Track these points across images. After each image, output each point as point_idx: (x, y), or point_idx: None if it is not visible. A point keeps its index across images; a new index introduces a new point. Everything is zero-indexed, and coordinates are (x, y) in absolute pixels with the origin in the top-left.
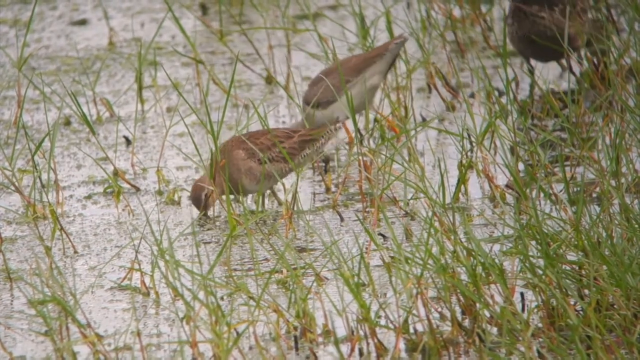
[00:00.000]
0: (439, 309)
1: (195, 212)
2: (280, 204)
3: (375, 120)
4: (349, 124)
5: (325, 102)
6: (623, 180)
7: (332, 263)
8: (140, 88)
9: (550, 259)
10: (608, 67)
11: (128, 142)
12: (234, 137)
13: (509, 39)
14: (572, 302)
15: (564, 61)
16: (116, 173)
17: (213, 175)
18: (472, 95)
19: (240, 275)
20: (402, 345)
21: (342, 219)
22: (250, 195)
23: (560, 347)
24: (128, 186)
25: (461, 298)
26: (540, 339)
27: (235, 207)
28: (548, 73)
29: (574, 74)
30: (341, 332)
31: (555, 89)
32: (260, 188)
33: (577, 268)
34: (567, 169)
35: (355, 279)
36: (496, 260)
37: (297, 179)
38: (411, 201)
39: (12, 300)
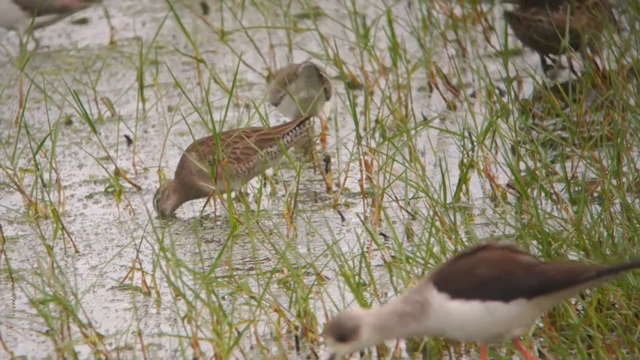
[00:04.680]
0: None
1: (198, 210)
2: (247, 207)
3: (377, 120)
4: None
5: (274, 102)
6: (624, 179)
7: (334, 262)
8: (141, 87)
9: (551, 258)
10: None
11: (129, 141)
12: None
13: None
14: (573, 302)
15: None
16: (117, 172)
17: (214, 175)
18: (473, 95)
19: (241, 274)
20: (403, 345)
21: (343, 219)
22: (251, 195)
23: (561, 346)
24: (129, 185)
25: None
26: (541, 339)
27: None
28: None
29: (574, 72)
30: None
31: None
32: (217, 189)
33: None
34: (568, 168)
35: (357, 278)
36: None
37: (298, 178)
38: (412, 200)
39: (13, 300)
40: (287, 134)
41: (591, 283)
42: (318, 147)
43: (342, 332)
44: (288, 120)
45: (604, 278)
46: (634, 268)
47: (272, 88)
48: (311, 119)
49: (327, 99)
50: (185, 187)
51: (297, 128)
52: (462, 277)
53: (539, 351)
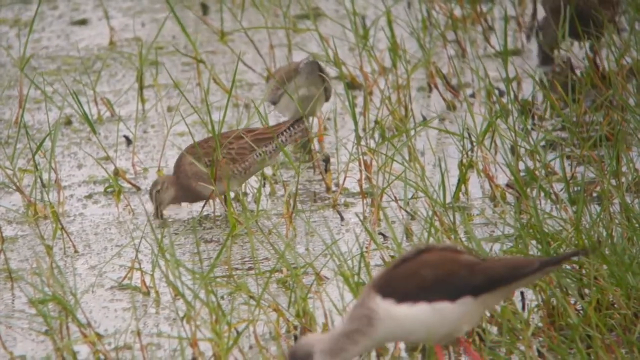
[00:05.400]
0: None
1: (198, 210)
2: (245, 207)
3: (376, 121)
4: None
5: (272, 101)
6: (623, 179)
7: (333, 262)
8: (141, 87)
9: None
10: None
11: (129, 141)
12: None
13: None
14: (572, 302)
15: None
16: (117, 172)
17: (214, 175)
18: (473, 95)
19: (240, 274)
20: (402, 344)
21: (342, 218)
22: (250, 195)
23: (560, 346)
24: (129, 185)
25: None
26: (541, 338)
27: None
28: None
29: (574, 72)
30: None
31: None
32: (216, 190)
33: (577, 267)
34: (568, 168)
35: (356, 278)
36: None
37: (297, 178)
38: (411, 200)
39: (13, 300)
40: (282, 133)
41: (535, 275)
42: (316, 147)
43: (297, 359)
44: (286, 119)
45: (546, 269)
46: (574, 257)
47: (271, 86)
48: (305, 118)
49: (327, 99)
50: (182, 187)
51: (291, 128)
52: (407, 281)
53: (538, 351)
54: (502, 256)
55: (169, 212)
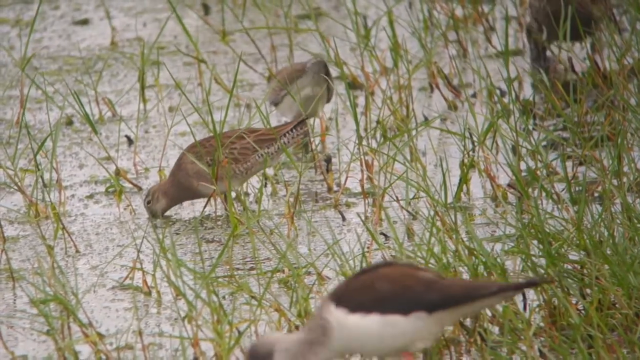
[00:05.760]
0: None
1: (199, 210)
2: (245, 207)
3: (377, 121)
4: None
5: (274, 101)
6: (625, 179)
7: (334, 262)
8: (142, 87)
9: (552, 258)
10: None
11: (130, 141)
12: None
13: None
14: (573, 301)
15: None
16: (118, 172)
17: (215, 175)
18: (474, 95)
19: (242, 274)
20: None
21: (344, 218)
22: (252, 195)
23: (562, 346)
24: (130, 186)
25: None
26: (542, 338)
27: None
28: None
29: (575, 72)
30: None
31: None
32: (217, 189)
33: (579, 267)
34: (569, 168)
35: None
36: (498, 260)
37: (299, 178)
38: (413, 200)
39: (14, 300)
40: (285, 134)
41: (492, 299)
42: (318, 147)
43: (256, 357)
44: (288, 120)
45: (504, 294)
46: (534, 286)
47: (273, 87)
48: (308, 120)
49: (329, 100)
50: (179, 188)
51: (294, 129)
52: (362, 292)
53: (540, 351)
54: (463, 278)
55: (170, 212)
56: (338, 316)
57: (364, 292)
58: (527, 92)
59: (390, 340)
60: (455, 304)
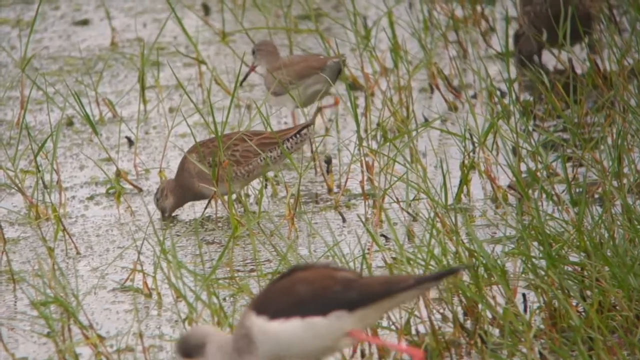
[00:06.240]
0: (441, 310)
1: (199, 212)
2: (246, 209)
3: (378, 124)
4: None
5: (277, 92)
6: (625, 181)
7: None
8: (142, 88)
9: (552, 260)
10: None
11: (130, 142)
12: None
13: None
14: (574, 303)
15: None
16: (119, 174)
17: (216, 176)
18: (474, 96)
19: (242, 276)
20: (404, 345)
21: (344, 220)
22: (252, 196)
23: (562, 348)
24: (130, 187)
25: (463, 299)
26: (542, 340)
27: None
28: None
29: (575, 73)
30: None
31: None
32: (218, 191)
33: (579, 269)
34: (569, 169)
35: None
36: (498, 261)
37: (299, 179)
38: (413, 202)
39: (15, 302)
40: (288, 139)
41: (411, 292)
42: (318, 148)
43: (188, 348)
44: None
45: (423, 286)
46: (450, 275)
47: (284, 75)
48: (312, 125)
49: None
50: (183, 188)
51: (297, 135)
52: (280, 297)
53: (540, 353)
54: (380, 275)
55: (174, 214)
56: (259, 324)
57: (283, 297)
58: (528, 93)
59: (313, 341)
60: (375, 300)
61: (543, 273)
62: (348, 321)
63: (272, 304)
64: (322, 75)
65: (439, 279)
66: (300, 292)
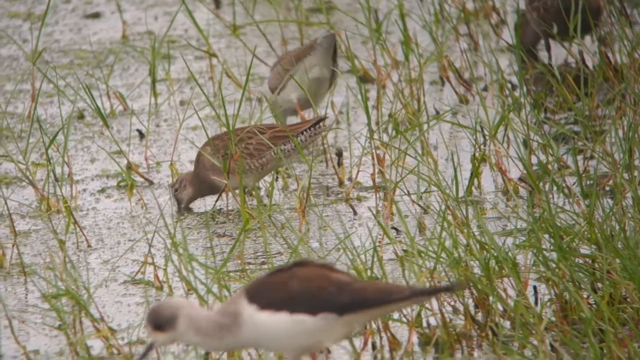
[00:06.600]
0: (452, 303)
1: (211, 204)
2: (259, 201)
3: (390, 115)
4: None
5: (275, 87)
6: (636, 173)
7: (346, 256)
8: (153, 81)
9: (563, 252)
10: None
11: (141, 135)
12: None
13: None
14: (585, 296)
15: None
16: (130, 167)
17: (227, 169)
18: (485, 88)
19: (253, 268)
20: (415, 339)
21: (355, 213)
22: (263, 189)
23: (573, 340)
24: (142, 180)
25: (474, 292)
26: (553, 333)
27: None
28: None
29: (586, 66)
30: None
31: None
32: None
33: (590, 261)
34: (580, 162)
35: (369, 272)
36: (509, 254)
37: (310, 172)
38: (424, 194)
39: (26, 294)
40: (302, 133)
41: (404, 303)
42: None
43: (159, 320)
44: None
45: (416, 299)
46: (445, 292)
47: (278, 70)
48: (325, 119)
49: (331, 84)
50: (198, 181)
51: (311, 128)
52: (274, 290)
53: (551, 345)
54: (376, 281)
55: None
56: (249, 312)
57: (276, 290)
58: (539, 85)
59: (296, 339)
60: (367, 307)
61: (554, 265)
62: (335, 324)
63: (265, 294)
64: (317, 54)
65: (433, 294)
66: (294, 288)
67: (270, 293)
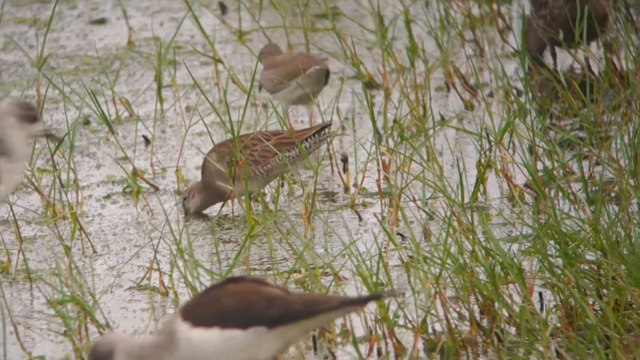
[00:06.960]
0: (458, 309)
1: (216, 211)
2: (264, 207)
3: (395, 120)
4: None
5: (272, 91)
6: None
7: (351, 263)
8: (159, 87)
9: (568, 258)
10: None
11: (147, 141)
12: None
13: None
14: (590, 302)
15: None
16: (135, 173)
17: (232, 175)
18: (491, 94)
19: (259, 274)
20: (420, 345)
21: (360, 219)
22: (269, 195)
23: (578, 346)
24: (147, 186)
25: (480, 298)
26: (559, 339)
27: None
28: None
29: (592, 72)
30: (360, 332)
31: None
32: (234, 190)
33: (595, 267)
34: (586, 168)
35: (374, 278)
36: (515, 260)
37: (315, 178)
38: (430, 200)
39: (31, 300)
40: (307, 139)
41: (335, 313)
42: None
43: (97, 356)
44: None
45: (347, 308)
46: (376, 300)
47: (272, 78)
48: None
49: (325, 83)
50: (207, 189)
51: (316, 135)
52: (206, 307)
53: (557, 351)
54: (305, 293)
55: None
56: (183, 330)
57: (209, 307)
58: (544, 91)
59: (229, 354)
60: (296, 319)
61: (559, 271)
62: (267, 338)
63: (198, 312)
64: (305, 81)
65: (363, 303)
66: (225, 304)
67: (203, 310)
